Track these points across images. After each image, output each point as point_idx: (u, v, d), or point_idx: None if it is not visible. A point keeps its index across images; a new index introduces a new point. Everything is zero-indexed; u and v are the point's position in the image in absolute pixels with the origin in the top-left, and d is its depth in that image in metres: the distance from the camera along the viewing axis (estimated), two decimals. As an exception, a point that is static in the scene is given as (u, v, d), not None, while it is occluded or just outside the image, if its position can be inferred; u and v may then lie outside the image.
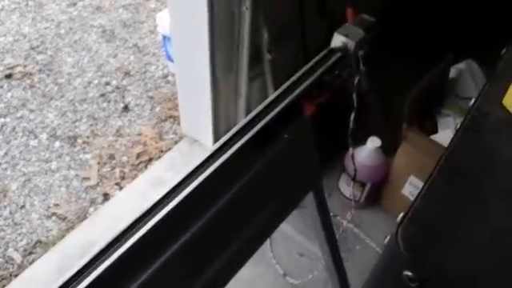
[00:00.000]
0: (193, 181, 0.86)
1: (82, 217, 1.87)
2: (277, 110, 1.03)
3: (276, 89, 1.75)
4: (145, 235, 0.78)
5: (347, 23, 1.22)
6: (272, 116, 1.01)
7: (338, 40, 1.19)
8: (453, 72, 2.00)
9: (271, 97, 1.04)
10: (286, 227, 1.82)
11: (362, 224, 1.90)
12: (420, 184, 1.76)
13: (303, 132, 1.13)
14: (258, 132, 0.98)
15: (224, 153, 0.92)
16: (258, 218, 1.05)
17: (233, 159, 0.93)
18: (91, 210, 1.90)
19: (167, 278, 0.84)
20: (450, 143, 0.93)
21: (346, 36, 1.17)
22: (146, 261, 0.80)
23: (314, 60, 1.13)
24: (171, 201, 0.83)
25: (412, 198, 1.80)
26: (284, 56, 1.73)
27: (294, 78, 1.09)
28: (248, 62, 1.65)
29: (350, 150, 1.72)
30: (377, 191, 1.90)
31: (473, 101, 1.00)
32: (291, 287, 1.73)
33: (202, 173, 0.87)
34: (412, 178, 1.78)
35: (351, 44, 1.17)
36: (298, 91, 1.07)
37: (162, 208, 0.82)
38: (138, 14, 2.84)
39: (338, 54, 1.16)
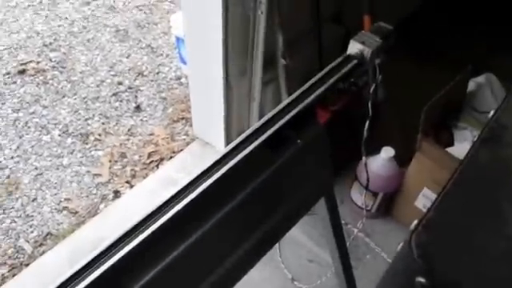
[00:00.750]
0: (204, 182, 0.85)
1: (93, 212, 1.88)
2: (291, 114, 1.00)
3: (290, 94, 1.74)
4: (153, 233, 0.78)
5: (364, 30, 1.20)
6: (285, 121, 0.99)
7: (354, 47, 1.16)
8: (472, 85, 1.97)
9: (285, 101, 1.02)
10: (296, 232, 1.81)
11: (373, 234, 1.88)
12: (433, 197, 1.71)
13: (317, 138, 1.12)
14: (270, 136, 0.96)
15: (236, 155, 0.90)
16: (268, 221, 1.04)
17: (244, 162, 0.91)
18: (102, 206, 1.90)
19: (176, 276, 0.84)
20: (467, 154, 0.91)
21: (363, 43, 1.14)
22: (155, 258, 0.80)
23: (330, 66, 1.11)
24: (181, 200, 0.83)
25: (425, 211, 1.78)
26: (299, 61, 1.72)
27: (308, 84, 1.07)
28: (262, 66, 1.64)
29: (364, 158, 1.71)
30: (389, 201, 1.88)
31: (492, 112, 0.98)
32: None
33: (213, 174, 0.86)
34: (425, 190, 1.75)
35: (368, 51, 1.15)
36: (312, 97, 1.06)
37: (172, 207, 0.81)
38: (151, 14, 2.85)
39: (354, 61, 1.14)
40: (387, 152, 1.75)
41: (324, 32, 1.81)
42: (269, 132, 0.97)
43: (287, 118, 0.99)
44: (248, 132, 0.96)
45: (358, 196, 1.89)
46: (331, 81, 1.08)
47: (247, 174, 0.95)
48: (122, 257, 0.74)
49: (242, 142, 0.94)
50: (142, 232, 0.78)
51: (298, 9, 1.68)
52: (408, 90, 1.94)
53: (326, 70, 1.10)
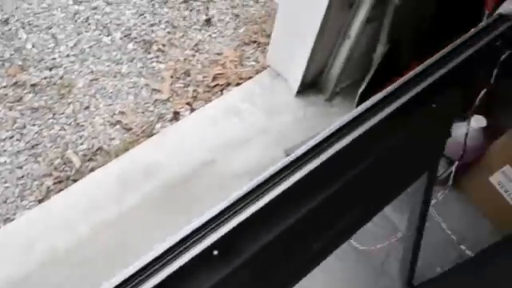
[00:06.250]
0: (325, 149, 0.76)
1: (148, 132, 1.74)
2: (434, 76, 0.88)
3: (390, 38, 1.58)
4: (267, 204, 0.69)
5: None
6: (427, 84, 0.87)
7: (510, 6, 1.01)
8: None
9: (430, 61, 0.89)
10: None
11: (435, 202, 1.76)
12: (514, 176, 1.61)
13: (454, 104, 0.98)
14: (408, 100, 0.85)
15: (367, 120, 0.80)
16: (376, 194, 0.99)
17: (376, 127, 0.80)
18: (158, 126, 1.76)
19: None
20: None
21: None
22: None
23: (480, 26, 0.96)
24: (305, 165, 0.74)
25: (498, 188, 1.67)
26: (412, 4, 1.53)
27: (454, 44, 0.93)
28: (372, 2, 1.44)
29: (465, 127, 1.57)
30: (462, 171, 1.75)
31: None
32: (356, 252, 1.63)
33: (338, 140, 0.78)
34: (507, 168, 1.62)
35: None
36: (459, 59, 0.91)
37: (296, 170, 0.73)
38: None
39: (509, 23, 0.99)
40: (478, 122, 1.60)
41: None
42: (407, 96, 0.84)
43: (429, 80, 0.87)
44: (383, 93, 0.83)
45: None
46: (481, 43, 0.94)
47: (374, 140, 0.83)
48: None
49: (376, 104, 0.82)
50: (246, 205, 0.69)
51: None
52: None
53: (474, 30, 0.96)
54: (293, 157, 0.73)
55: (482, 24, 0.97)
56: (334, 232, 0.91)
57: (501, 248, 1.45)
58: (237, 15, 2.12)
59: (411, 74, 0.87)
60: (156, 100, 1.82)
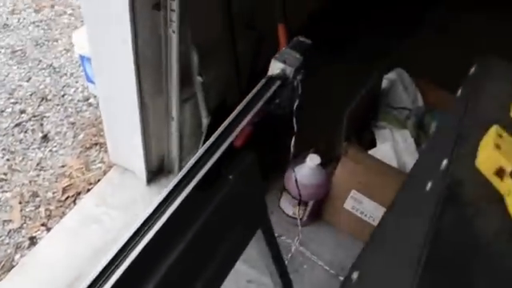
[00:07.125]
0: (140, 239, 0.79)
1: (8, 266, 1.68)
2: (220, 151, 0.95)
3: (209, 110, 1.69)
4: None
5: (284, 47, 1.16)
6: (216, 158, 0.93)
7: (275, 67, 1.14)
8: (384, 83, 2.00)
9: (213, 137, 0.95)
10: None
11: (306, 242, 1.85)
12: (362, 198, 1.74)
13: (247, 168, 1.07)
14: (202, 178, 0.90)
15: (168, 206, 0.84)
16: (212, 264, 1.00)
17: (176, 215, 0.84)
18: (17, 257, 1.71)
19: None
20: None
21: (284, 62, 1.13)
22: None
23: (253, 92, 1.07)
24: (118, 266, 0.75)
25: (355, 212, 1.80)
26: (215, 76, 1.66)
27: (233, 115, 1.01)
28: (178, 85, 1.56)
29: (293, 173, 1.69)
30: (319, 207, 1.87)
31: (445, 163, 0.86)
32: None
33: (148, 230, 0.80)
34: (354, 193, 1.76)
35: (290, 70, 1.12)
36: (238, 128, 1.00)
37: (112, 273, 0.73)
38: (50, 30, 2.65)
39: (278, 83, 1.11)
40: (313, 160, 1.73)
41: (238, 42, 1.76)
42: (197, 177, 0.90)
43: (217, 154, 0.93)
44: (176, 179, 0.88)
45: (287, 206, 1.85)
46: (256, 108, 1.04)
47: (182, 222, 0.89)
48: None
49: (172, 190, 0.87)
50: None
51: (210, 24, 1.60)
52: (324, 93, 1.94)
53: (249, 97, 1.05)
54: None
55: (256, 89, 1.08)
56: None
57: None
58: (73, 123, 2.15)
59: (200, 151, 0.95)
60: (10, 231, 1.78)
